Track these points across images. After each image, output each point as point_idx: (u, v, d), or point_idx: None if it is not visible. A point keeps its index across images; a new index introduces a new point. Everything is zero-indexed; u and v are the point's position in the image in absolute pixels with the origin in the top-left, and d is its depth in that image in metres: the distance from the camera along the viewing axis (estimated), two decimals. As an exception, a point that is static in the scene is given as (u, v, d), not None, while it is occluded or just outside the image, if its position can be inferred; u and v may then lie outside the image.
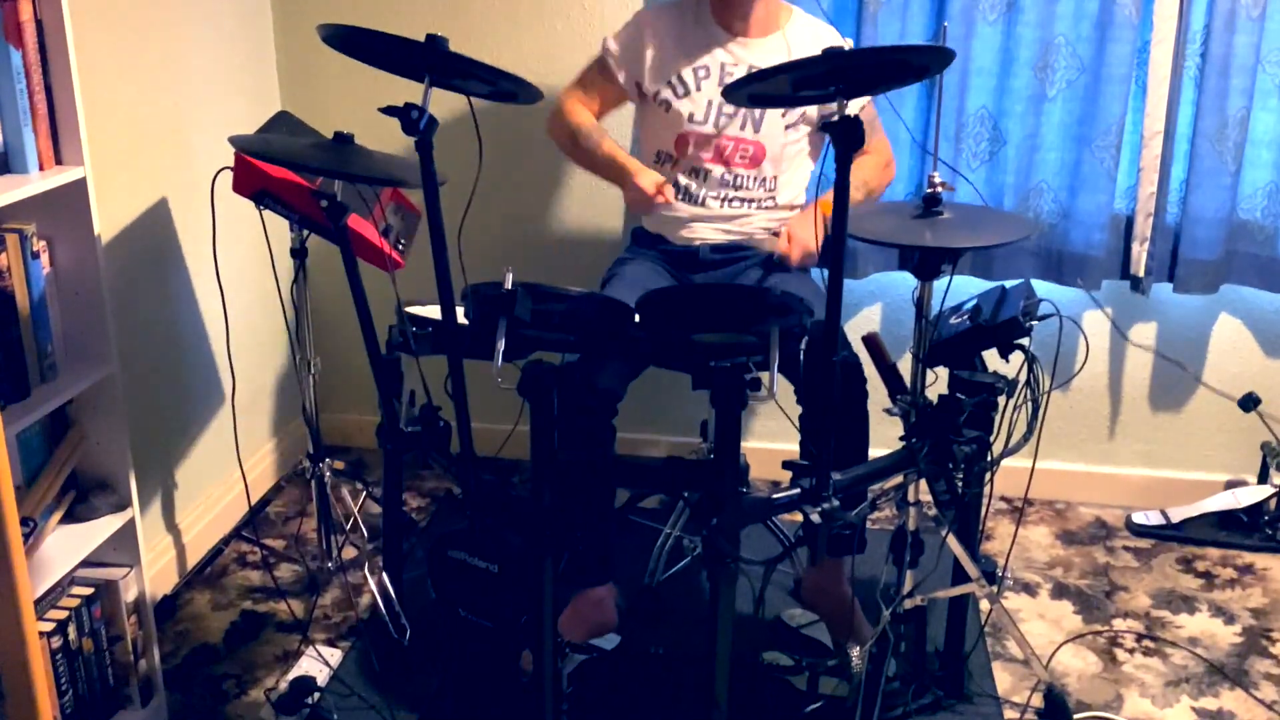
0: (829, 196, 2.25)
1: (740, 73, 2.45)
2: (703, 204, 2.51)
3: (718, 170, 2.49)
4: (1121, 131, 2.74)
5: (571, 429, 2.19)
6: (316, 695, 2.21)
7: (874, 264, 2.95)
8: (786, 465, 1.95)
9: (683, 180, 2.51)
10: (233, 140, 2.00)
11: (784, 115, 2.47)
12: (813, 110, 2.49)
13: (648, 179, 2.36)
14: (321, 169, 2.07)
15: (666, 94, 2.48)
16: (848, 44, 2.59)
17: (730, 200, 2.51)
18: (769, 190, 2.52)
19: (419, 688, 2.30)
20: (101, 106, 2.29)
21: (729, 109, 2.46)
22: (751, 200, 2.51)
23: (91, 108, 1.96)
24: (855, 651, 2.11)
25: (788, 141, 2.49)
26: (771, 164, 2.49)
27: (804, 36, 2.50)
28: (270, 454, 3.17)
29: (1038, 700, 2.24)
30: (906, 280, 2.99)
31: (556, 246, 3.14)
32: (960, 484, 2.06)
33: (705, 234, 2.53)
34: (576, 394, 2.20)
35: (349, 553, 2.79)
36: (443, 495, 3.12)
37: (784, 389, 2.23)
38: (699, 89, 2.46)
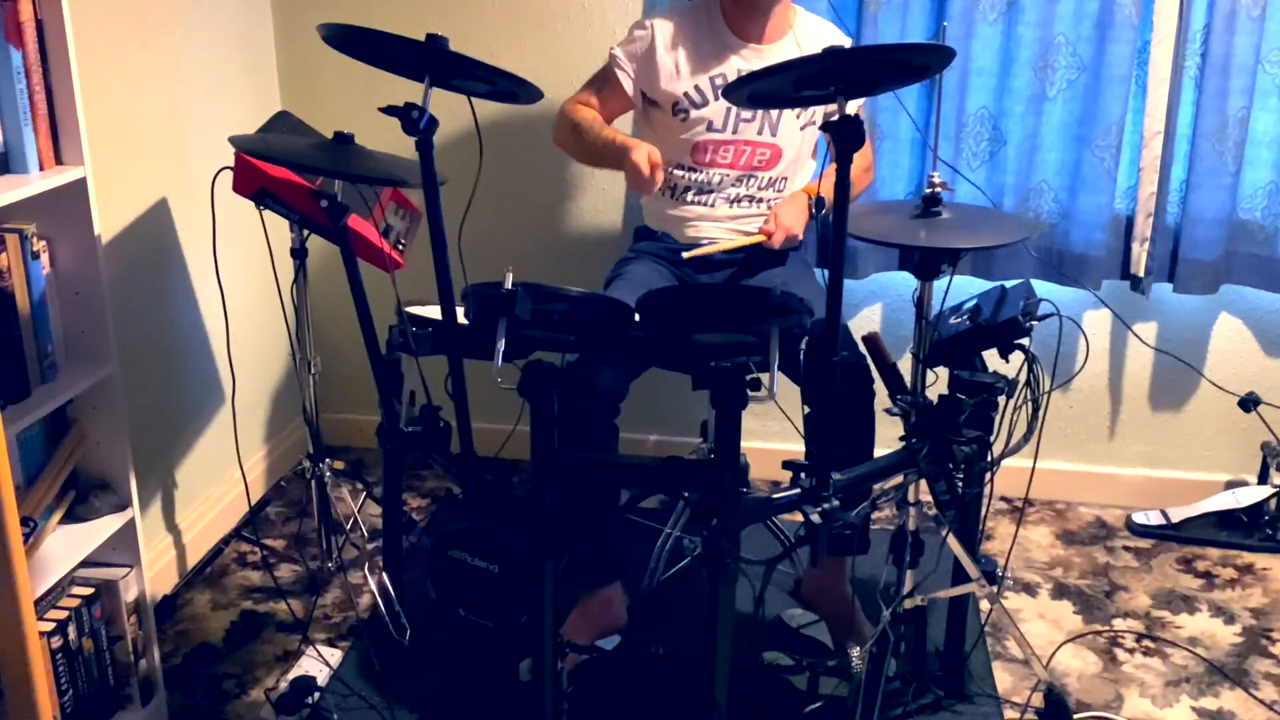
0: (815, 184, 2.25)
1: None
2: (712, 205, 2.51)
3: (734, 174, 2.49)
4: (1121, 131, 2.74)
5: (573, 430, 2.19)
6: (316, 695, 2.21)
7: (874, 264, 2.95)
8: (786, 465, 1.95)
9: (698, 180, 2.51)
10: (233, 140, 2.00)
11: (798, 116, 2.47)
12: (820, 109, 2.49)
13: (642, 153, 2.26)
14: (321, 169, 2.07)
15: (684, 104, 2.47)
16: (847, 43, 2.58)
17: (739, 200, 2.51)
18: (779, 190, 2.52)
19: (419, 688, 2.30)
20: (101, 106, 2.29)
21: (746, 114, 2.45)
22: (761, 200, 2.52)
23: (91, 108, 1.96)
24: (855, 651, 2.11)
25: (802, 142, 2.50)
26: (787, 165, 2.49)
27: (812, 36, 2.50)
28: (270, 454, 3.17)
29: (1038, 700, 2.24)
30: (906, 280, 2.99)
31: (557, 246, 3.14)
32: (960, 484, 2.06)
33: (712, 233, 2.52)
34: (577, 395, 2.19)
35: (349, 553, 2.79)
36: (443, 495, 3.12)
37: (785, 389, 2.23)
38: (716, 98, 2.46)
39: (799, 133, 2.49)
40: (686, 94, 2.46)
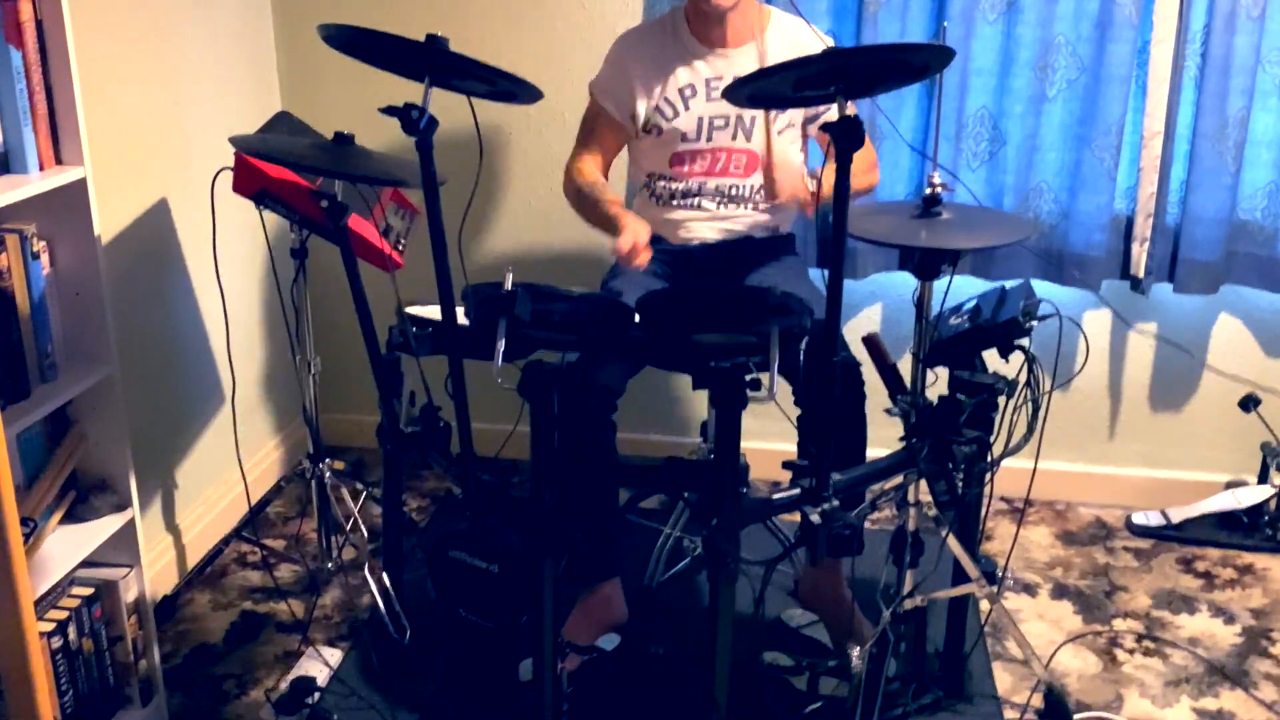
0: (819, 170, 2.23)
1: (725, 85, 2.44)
2: (698, 207, 2.51)
3: (713, 182, 2.49)
4: (1121, 131, 2.74)
5: (571, 427, 2.19)
6: (316, 695, 2.21)
7: (874, 264, 2.95)
8: (786, 465, 1.95)
9: (679, 189, 2.51)
10: (233, 140, 2.00)
11: (773, 121, 2.46)
12: (797, 112, 2.48)
13: (627, 238, 2.24)
14: (321, 169, 2.07)
15: (656, 118, 2.47)
16: (829, 41, 2.53)
17: (725, 201, 2.51)
18: (762, 192, 2.52)
19: (419, 688, 2.30)
20: (101, 106, 2.29)
21: (719, 122, 2.45)
22: (747, 201, 2.52)
23: (91, 108, 1.96)
24: (855, 652, 2.11)
25: (780, 146, 2.49)
26: (765, 169, 2.49)
27: (784, 39, 2.47)
28: (270, 454, 3.17)
29: (1038, 700, 2.24)
30: (906, 280, 2.99)
31: (557, 246, 3.13)
32: (960, 484, 2.06)
33: (702, 233, 2.53)
34: (575, 392, 2.20)
35: (349, 553, 2.79)
36: (443, 495, 3.12)
37: (784, 389, 2.23)
38: (687, 108, 2.46)
39: (775, 137, 2.47)
40: (658, 107, 2.47)
